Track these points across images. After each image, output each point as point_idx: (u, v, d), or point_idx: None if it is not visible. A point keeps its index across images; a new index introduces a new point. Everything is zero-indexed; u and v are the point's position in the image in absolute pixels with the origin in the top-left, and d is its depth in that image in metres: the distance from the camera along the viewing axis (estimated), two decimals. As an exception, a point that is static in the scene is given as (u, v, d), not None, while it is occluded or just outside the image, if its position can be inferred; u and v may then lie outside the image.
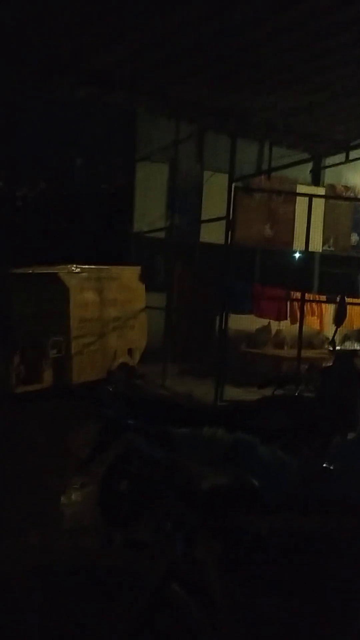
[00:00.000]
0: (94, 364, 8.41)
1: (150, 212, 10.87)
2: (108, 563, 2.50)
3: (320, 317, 10.79)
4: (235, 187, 8.25)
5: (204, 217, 10.77)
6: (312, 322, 10.78)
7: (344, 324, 10.57)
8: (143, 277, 9.33)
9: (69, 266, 8.16)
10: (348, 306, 9.98)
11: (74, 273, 8.20)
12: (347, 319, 9.73)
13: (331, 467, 3.14)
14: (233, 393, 8.10)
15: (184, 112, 8.49)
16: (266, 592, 2.68)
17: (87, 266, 8.41)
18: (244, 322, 10.32)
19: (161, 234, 10.75)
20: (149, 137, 10.52)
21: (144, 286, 9.31)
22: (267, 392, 4.94)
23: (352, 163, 10.31)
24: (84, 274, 8.34)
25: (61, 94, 7.82)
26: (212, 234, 9.65)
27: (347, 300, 9.38)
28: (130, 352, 9.10)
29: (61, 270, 8.01)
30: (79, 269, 8.28)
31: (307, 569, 2.74)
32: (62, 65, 6.92)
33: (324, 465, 3.11)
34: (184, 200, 10.75)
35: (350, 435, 4.05)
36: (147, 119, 9.89)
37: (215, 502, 2.58)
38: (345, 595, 2.72)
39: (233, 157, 8.38)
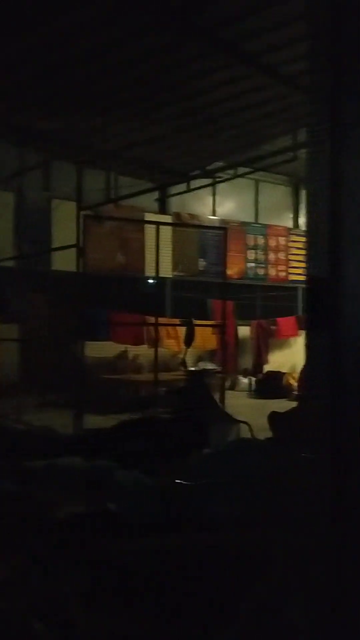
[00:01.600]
0: None
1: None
2: None
3: (178, 340, 11.14)
4: (84, 215, 8.30)
5: (54, 245, 10.69)
6: (170, 345, 11.08)
7: (197, 346, 11.01)
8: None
9: None
10: (199, 328, 10.41)
11: None
12: (199, 340, 10.14)
13: (188, 484, 3.24)
14: (94, 421, 8.02)
15: (29, 141, 8.42)
16: (131, 614, 2.68)
17: None
18: (102, 349, 10.32)
19: (11, 263, 10.47)
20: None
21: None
22: (126, 416, 4.99)
23: (195, 192, 10.85)
24: None
25: None
26: (64, 261, 9.59)
27: (198, 322, 9.78)
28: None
29: None
30: None
31: (170, 588, 2.79)
32: None
33: (180, 481, 3.20)
34: (32, 228, 10.60)
35: (206, 451, 4.22)
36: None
37: (73, 530, 2.55)
38: (209, 611, 2.79)
39: (80, 185, 8.45)
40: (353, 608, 1.38)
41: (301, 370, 11.23)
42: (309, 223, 1.38)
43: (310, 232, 1.36)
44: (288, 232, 15.32)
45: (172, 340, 11.13)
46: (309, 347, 1.36)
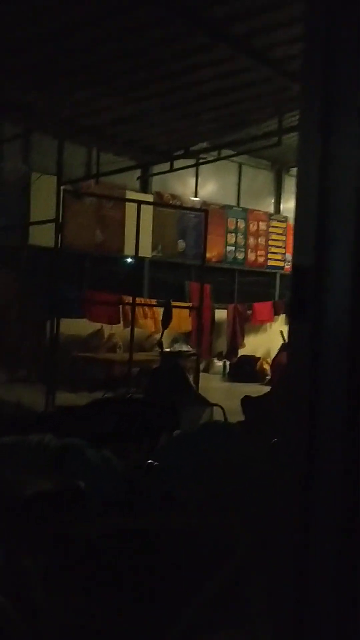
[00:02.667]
0: None
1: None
2: None
3: (154, 320, 11.11)
4: (63, 190, 8.17)
5: (32, 219, 10.50)
6: (147, 325, 11.05)
7: (173, 328, 10.99)
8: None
9: None
10: (176, 310, 10.38)
11: None
12: (175, 322, 10.11)
13: (155, 464, 3.24)
14: (66, 399, 7.99)
15: (8, 113, 8.22)
16: (95, 595, 2.69)
17: None
18: (76, 327, 10.24)
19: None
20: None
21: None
22: (98, 395, 4.96)
23: (177, 173, 10.75)
24: None
25: None
26: (42, 237, 9.45)
27: (174, 304, 9.76)
28: None
29: None
30: None
31: (136, 568, 2.80)
32: None
33: (149, 462, 3.20)
34: (10, 201, 10.39)
35: (176, 433, 4.22)
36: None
37: (39, 508, 2.53)
38: (174, 592, 2.81)
39: (60, 160, 8.29)
40: (320, 596, 1.39)
41: (275, 356, 11.32)
42: (296, 212, 1.36)
43: (298, 221, 1.34)
44: (268, 217, 15.32)
45: (148, 320, 11.10)
46: (291, 336, 1.35)
